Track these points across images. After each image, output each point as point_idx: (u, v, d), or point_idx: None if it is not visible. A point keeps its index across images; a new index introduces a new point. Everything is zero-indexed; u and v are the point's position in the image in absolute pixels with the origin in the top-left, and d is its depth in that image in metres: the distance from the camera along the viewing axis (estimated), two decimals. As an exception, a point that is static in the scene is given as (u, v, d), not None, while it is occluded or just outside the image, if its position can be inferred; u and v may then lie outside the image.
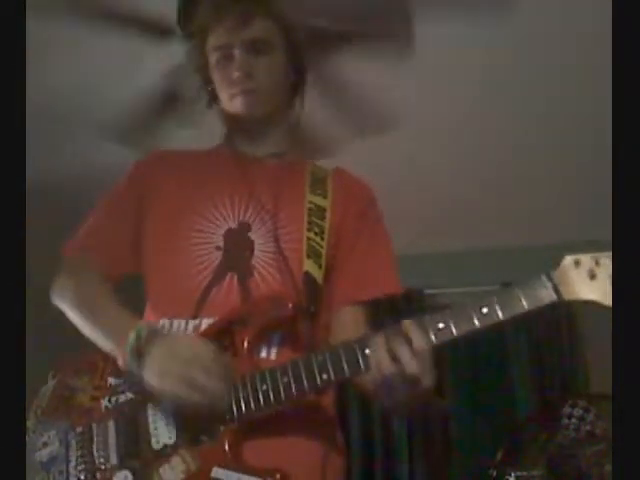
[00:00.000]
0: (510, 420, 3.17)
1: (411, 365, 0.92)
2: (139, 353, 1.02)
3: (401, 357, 0.92)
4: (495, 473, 2.67)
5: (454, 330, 0.95)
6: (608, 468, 2.43)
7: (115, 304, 1.16)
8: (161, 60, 2.11)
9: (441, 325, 0.95)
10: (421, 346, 0.93)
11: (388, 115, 2.45)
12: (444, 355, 3.14)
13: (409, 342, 0.93)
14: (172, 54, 2.00)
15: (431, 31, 1.98)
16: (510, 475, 2.64)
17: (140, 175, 1.30)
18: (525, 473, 2.64)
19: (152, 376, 1.01)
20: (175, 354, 1.01)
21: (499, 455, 2.70)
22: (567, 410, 2.68)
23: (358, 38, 2.13)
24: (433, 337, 0.95)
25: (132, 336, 1.03)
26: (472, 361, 3.47)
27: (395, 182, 2.86)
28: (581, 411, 2.67)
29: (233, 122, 1.30)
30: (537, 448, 2.67)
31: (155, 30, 2.05)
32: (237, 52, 1.21)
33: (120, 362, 1.06)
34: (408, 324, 0.95)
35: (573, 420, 2.66)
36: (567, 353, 3.44)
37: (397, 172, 2.80)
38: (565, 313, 3.51)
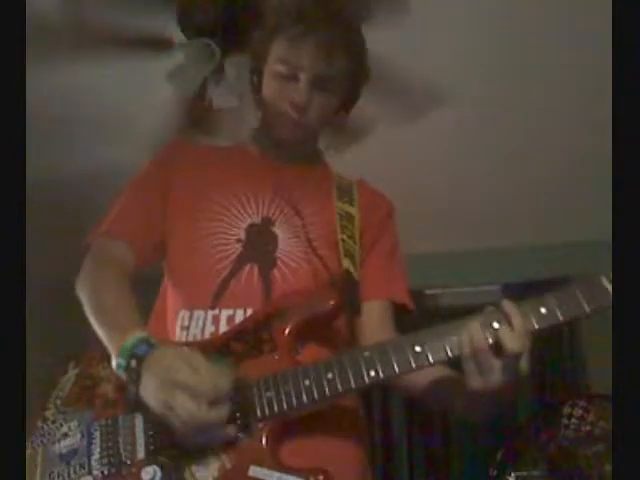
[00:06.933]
0: (510, 420, 3.17)
1: (512, 342, 0.87)
2: (136, 376, 0.95)
3: (501, 335, 0.88)
4: (495, 473, 2.67)
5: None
6: (608, 468, 2.43)
7: (126, 309, 1.09)
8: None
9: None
10: (523, 326, 0.89)
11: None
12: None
13: (509, 321, 0.89)
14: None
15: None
16: (510, 475, 2.65)
17: (164, 161, 1.27)
18: (525, 473, 2.64)
19: (145, 395, 0.94)
20: (160, 370, 0.93)
21: (499, 455, 2.70)
22: (567, 410, 2.68)
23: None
24: (534, 321, 0.90)
25: (122, 358, 0.96)
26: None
27: (394, 182, 2.86)
28: (581, 411, 2.67)
29: (267, 128, 1.26)
30: (537, 448, 2.67)
31: (155, 44, 2.06)
32: (304, 81, 1.16)
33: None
34: (509, 304, 0.91)
35: (573, 420, 2.66)
36: (567, 353, 3.44)
37: (396, 172, 2.81)
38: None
